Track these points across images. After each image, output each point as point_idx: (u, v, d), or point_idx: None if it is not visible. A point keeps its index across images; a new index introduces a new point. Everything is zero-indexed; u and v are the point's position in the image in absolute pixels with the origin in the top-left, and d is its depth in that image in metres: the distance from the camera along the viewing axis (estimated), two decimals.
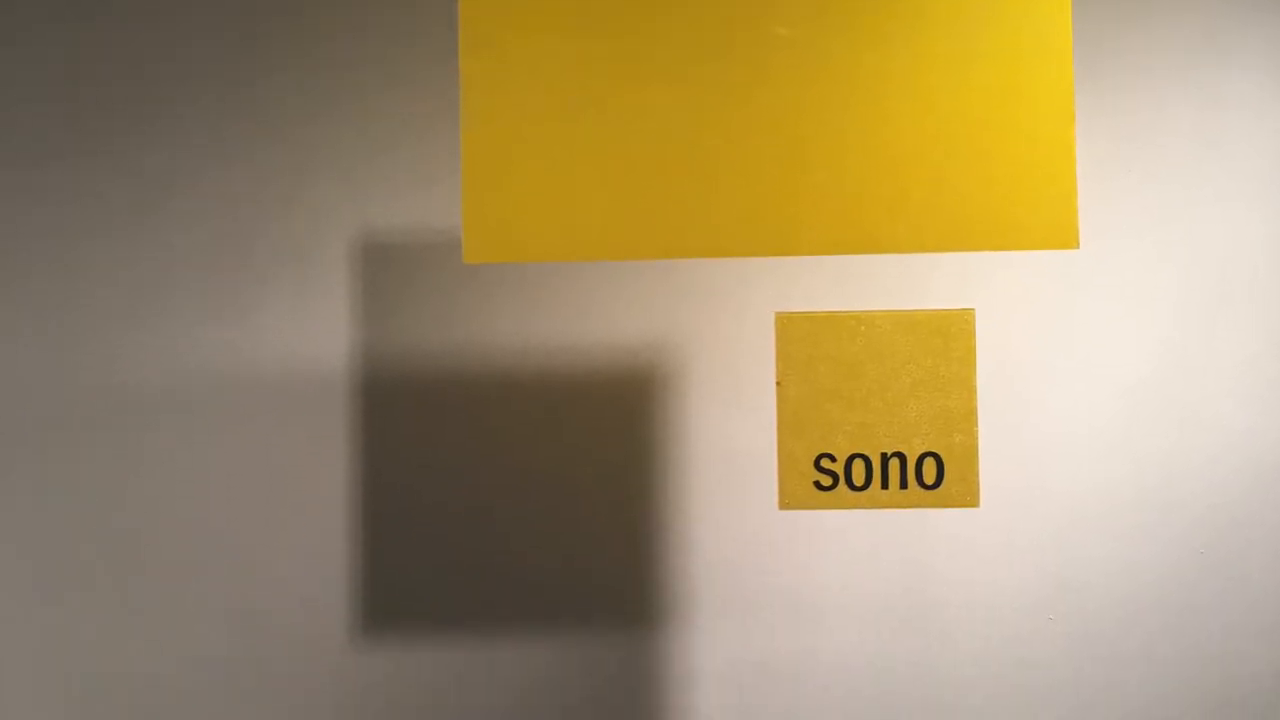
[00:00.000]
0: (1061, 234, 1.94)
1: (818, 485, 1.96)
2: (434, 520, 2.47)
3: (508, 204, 1.96)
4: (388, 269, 2.47)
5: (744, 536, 2.45)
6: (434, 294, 2.47)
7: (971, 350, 1.96)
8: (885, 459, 1.97)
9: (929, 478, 1.97)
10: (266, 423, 2.49)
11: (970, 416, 1.96)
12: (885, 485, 1.96)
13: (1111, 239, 2.49)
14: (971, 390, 1.96)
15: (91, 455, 2.50)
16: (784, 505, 1.96)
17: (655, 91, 1.97)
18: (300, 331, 2.49)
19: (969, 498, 1.94)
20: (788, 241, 1.98)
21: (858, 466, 1.97)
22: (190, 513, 2.49)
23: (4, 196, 2.53)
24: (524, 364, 2.46)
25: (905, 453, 1.97)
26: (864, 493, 1.95)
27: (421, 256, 2.47)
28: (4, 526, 2.49)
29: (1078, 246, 1.95)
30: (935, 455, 1.96)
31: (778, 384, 1.95)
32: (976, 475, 1.96)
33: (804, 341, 1.96)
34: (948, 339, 1.96)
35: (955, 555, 2.45)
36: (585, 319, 2.47)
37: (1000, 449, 2.43)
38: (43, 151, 2.54)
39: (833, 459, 1.96)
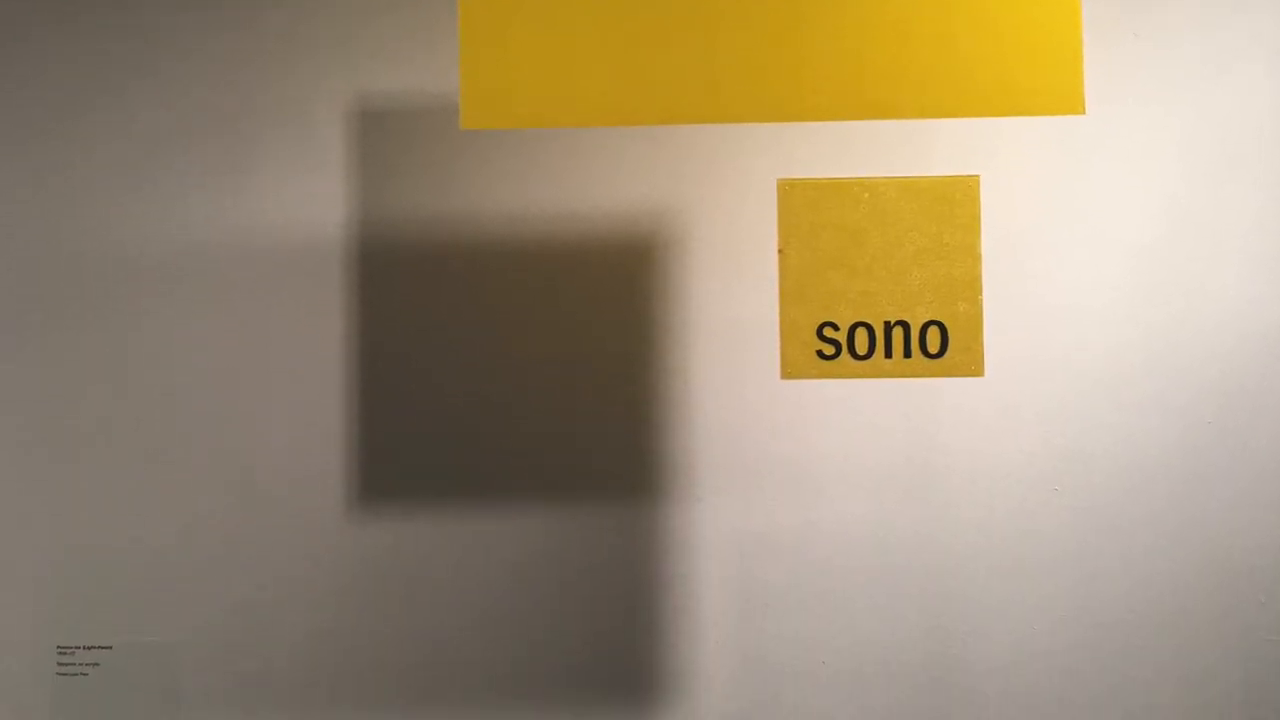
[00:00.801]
0: (1067, 99, 1.92)
1: (820, 355, 1.95)
2: (431, 390, 2.46)
3: (505, 69, 1.93)
4: (384, 135, 2.45)
5: (745, 407, 2.44)
6: (431, 160, 2.45)
7: (976, 217, 1.94)
8: (889, 328, 1.95)
9: (933, 347, 1.95)
10: (261, 290, 2.48)
11: (975, 284, 1.94)
12: (889, 354, 1.95)
13: (1118, 104, 2.45)
14: (976, 258, 1.94)
15: (83, 323, 2.49)
16: (786, 375, 1.95)
17: None
18: (296, 198, 2.47)
19: (973, 367, 1.93)
20: (790, 107, 1.95)
21: (861, 335, 1.95)
22: (183, 381, 2.48)
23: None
24: (522, 231, 2.44)
25: (909, 321, 1.95)
26: (867, 362, 1.94)
27: (418, 122, 2.44)
28: None
29: (1084, 112, 1.92)
30: (939, 324, 1.95)
31: (780, 252, 1.94)
32: (981, 344, 1.95)
33: (806, 209, 1.94)
34: (952, 206, 1.94)
35: (959, 425, 2.44)
36: (584, 186, 2.44)
37: (1005, 317, 2.41)
38: (33, 17, 2.51)
39: (835, 328, 1.95)
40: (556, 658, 2.45)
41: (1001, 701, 2.43)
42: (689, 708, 2.43)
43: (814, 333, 1.95)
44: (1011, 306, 2.42)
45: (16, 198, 2.49)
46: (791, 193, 1.94)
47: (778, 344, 1.94)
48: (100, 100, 2.51)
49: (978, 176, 1.94)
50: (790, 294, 1.94)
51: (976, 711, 2.43)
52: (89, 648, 2.49)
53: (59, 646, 2.50)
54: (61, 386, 2.49)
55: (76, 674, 2.49)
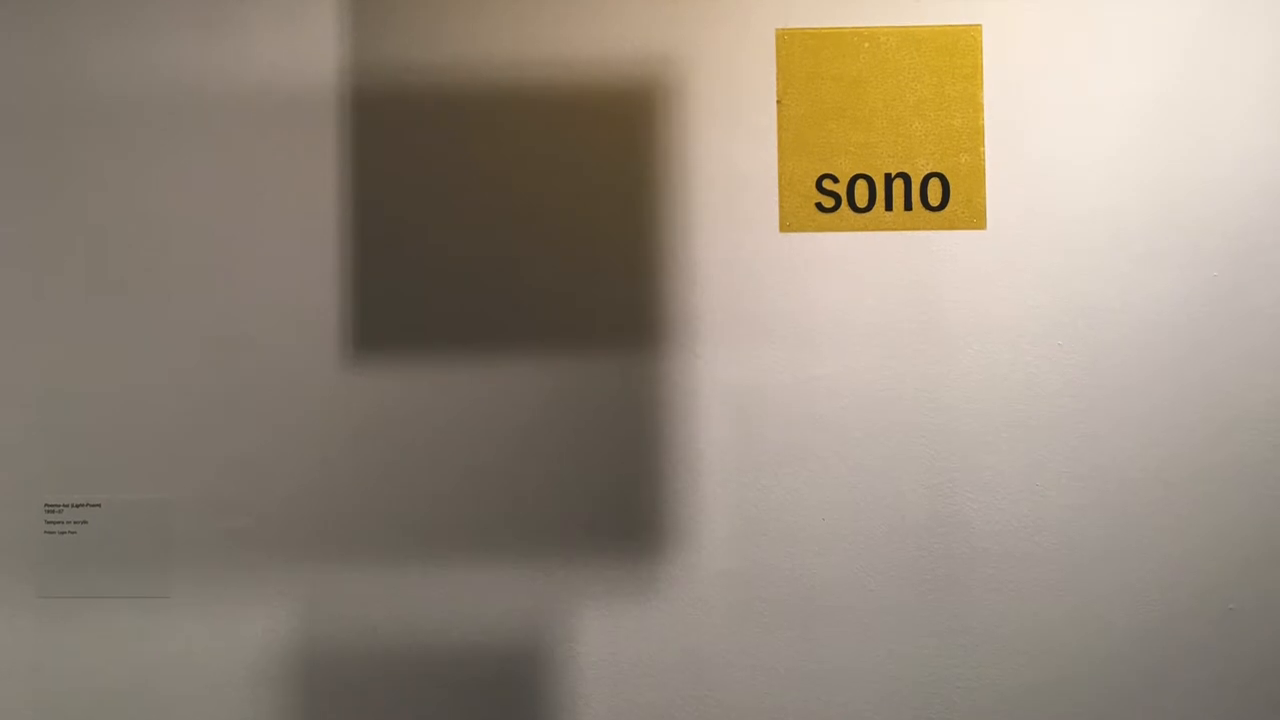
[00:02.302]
0: None
1: (819, 207, 1.93)
2: (427, 239, 2.44)
3: None
4: None
5: (744, 259, 2.42)
6: (423, 7, 2.41)
7: (978, 67, 1.92)
8: (889, 179, 1.94)
9: (934, 199, 1.94)
10: (252, 135, 2.45)
11: (977, 135, 1.92)
12: (889, 207, 1.93)
13: None
14: (978, 108, 1.92)
15: (68, 167, 2.46)
16: (785, 228, 1.94)
17: None
18: (287, 40, 2.43)
19: (975, 219, 1.92)
20: None
21: (861, 187, 1.94)
22: (172, 229, 2.46)
23: None
24: (518, 79, 2.40)
25: (909, 173, 1.94)
26: (867, 214, 1.93)
27: None
28: None
29: None
30: (940, 175, 1.93)
31: (778, 102, 1.91)
32: (983, 196, 1.93)
33: (806, 58, 1.92)
34: (954, 55, 1.91)
35: (961, 280, 2.42)
36: (581, 34, 2.40)
37: (1007, 170, 2.37)
38: None
39: (835, 180, 1.93)
40: (554, 512, 2.45)
41: (1004, 561, 2.43)
42: (687, 564, 2.43)
43: (813, 185, 1.94)
44: (1014, 159, 2.39)
45: None
46: (790, 42, 1.91)
47: (776, 196, 1.92)
48: None
49: (980, 25, 1.91)
50: (789, 146, 1.92)
51: (978, 570, 2.43)
52: (78, 505, 2.49)
53: (47, 504, 2.50)
54: (45, 237, 2.48)
55: (65, 532, 2.49)
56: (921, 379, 2.41)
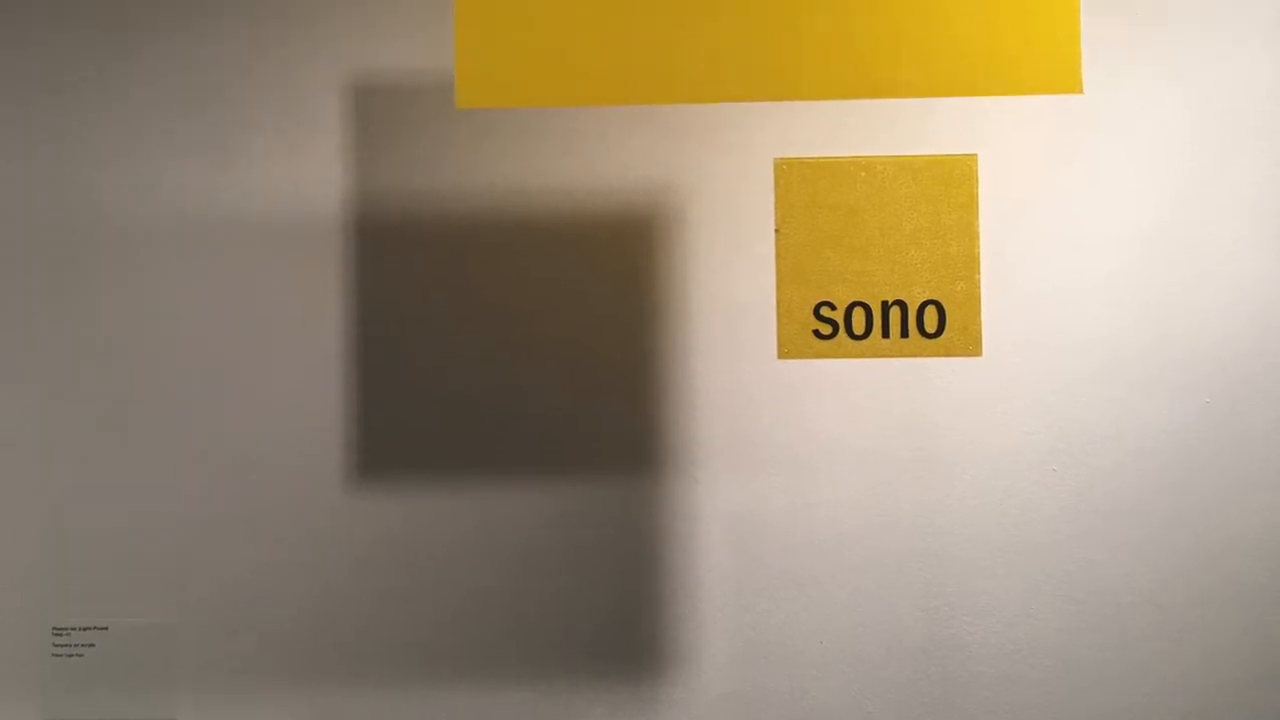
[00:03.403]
0: (1065, 78, 1.92)
1: (817, 334, 1.95)
2: (429, 366, 2.46)
3: (501, 48, 1.93)
4: (379, 111, 2.44)
5: (743, 387, 2.44)
6: (426, 137, 2.45)
7: (974, 196, 1.94)
8: (886, 307, 1.95)
9: (930, 326, 1.95)
10: (257, 264, 2.48)
11: (972, 263, 1.94)
12: (886, 334, 1.95)
13: (1117, 82, 2.45)
14: (974, 236, 1.94)
15: (75, 297, 2.49)
16: (783, 355, 1.95)
17: None
18: (290, 173, 2.47)
19: (971, 346, 1.93)
20: (788, 86, 1.95)
21: (858, 315, 1.95)
22: (178, 356, 2.48)
23: None
24: (520, 209, 2.44)
25: (906, 301, 1.95)
26: (864, 341, 1.94)
27: (414, 99, 2.44)
28: None
29: (1081, 91, 1.93)
30: (937, 303, 1.95)
31: (777, 231, 1.94)
32: (979, 323, 1.95)
33: (803, 187, 1.94)
34: (950, 185, 1.94)
35: (957, 406, 2.44)
36: (582, 164, 2.44)
37: (1003, 297, 2.40)
38: None
39: (832, 307, 1.95)
40: (555, 636, 2.45)
41: (1000, 684, 2.43)
42: (688, 686, 2.43)
43: (811, 312, 1.95)
44: (1009, 286, 2.42)
45: (7, 167, 2.49)
46: (789, 172, 1.94)
47: (774, 323, 1.94)
48: (94, 70, 2.50)
49: (975, 155, 1.94)
50: (787, 273, 1.94)
51: (974, 694, 2.43)
52: (85, 628, 2.49)
53: (54, 627, 2.50)
54: (54, 361, 2.49)
55: (72, 655, 2.49)
56: (918, 504, 2.43)
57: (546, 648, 2.46)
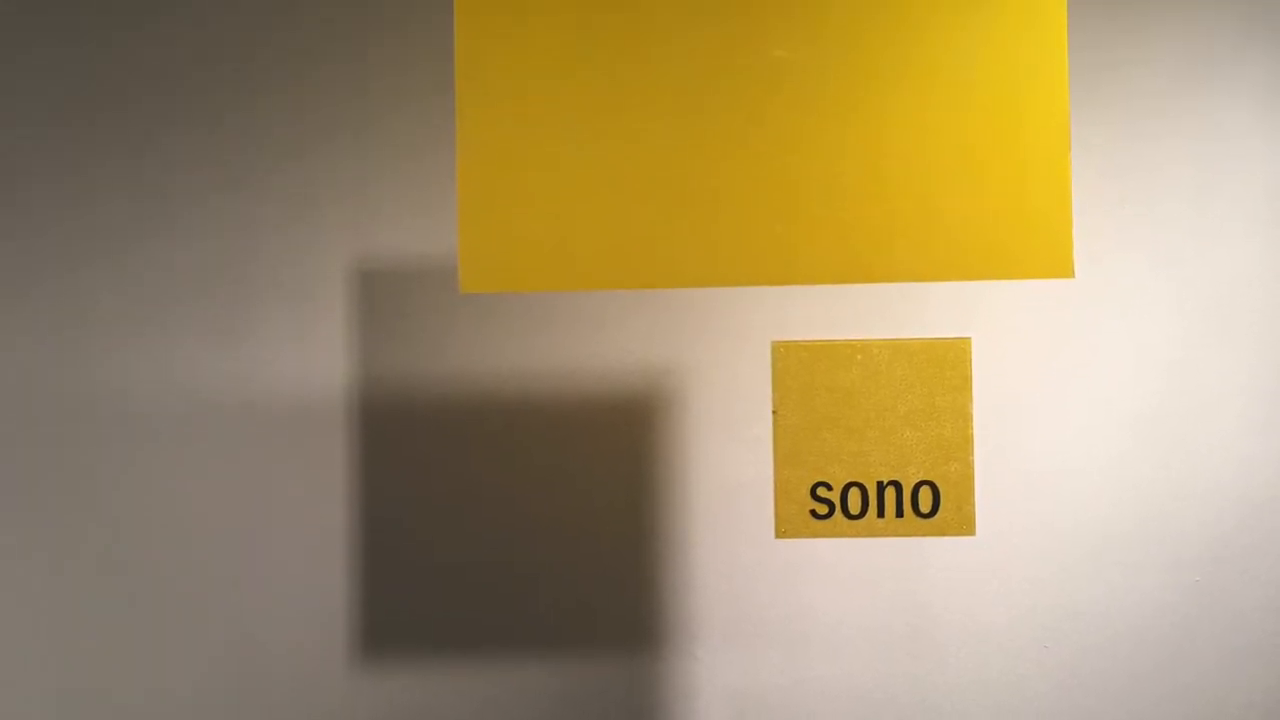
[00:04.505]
0: (1057, 263, 1.95)
1: (814, 514, 1.96)
2: (432, 548, 2.47)
3: (504, 233, 1.97)
4: (384, 295, 2.47)
5: (741, 565, 2.46)
6: (431, 321, 2.48)
7: (968, 379, 1.97)
8: (881, 487, 1.97)
9: (925, 506, 1.97)
10: (263, 446, 2.50)
11: (966, 445, 1.96)
12: (881, 514, 1.97)
13: (1109, 267, 2.49)
14: (968, 419, 1.96)
15: (85, 476, 2.50)
16: (780, 534, 1.97)
17: (651, 118, 1.98)
18: (297, 356, 2.49)
19: (965, 526, 1.94)
20: (784, 271, 1.98)
21: (854, 495, 1.97)
22: (185, 536, 2.49)
23: (4, 213, 2.53)
24: (521, 391, 2.46)
25: (901, 481, 1.97)
26: (860, 521, 1.96)
27: (418, 283, 2.47)
28: None
29: (1073, 276, 1.95)
30: (931, 484, 1.97)
31: (774, 412, 1.96)
32: (973, 504, 1.96)
33: (800, 370, 1.97)
34: (944, 368, 1.96)
35: (951, 584, 2.45)
36: (581, 346, 2.47)
37: (997, 478, 2.43)
38: (43, 172, 2.54)
39: (829, 487, 1.97)
40: None
41: None
42: None
43: (808, 492, 1.97)
44: (1004, 468, 2.44)
45: (19, 349, 2.51)
46: (785, 354, 1.96)
47: (772, 503, 1.95)
48: (103, 254, 2.54)
49: (969, 339, 1.97)
50: (784, 454, 1.96)
51: None
52: None
53: None
54: (63, 540, 2.50)
55: None
56: (913, 680, 2.43)
57: None
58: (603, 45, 1.99)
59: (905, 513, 1.97)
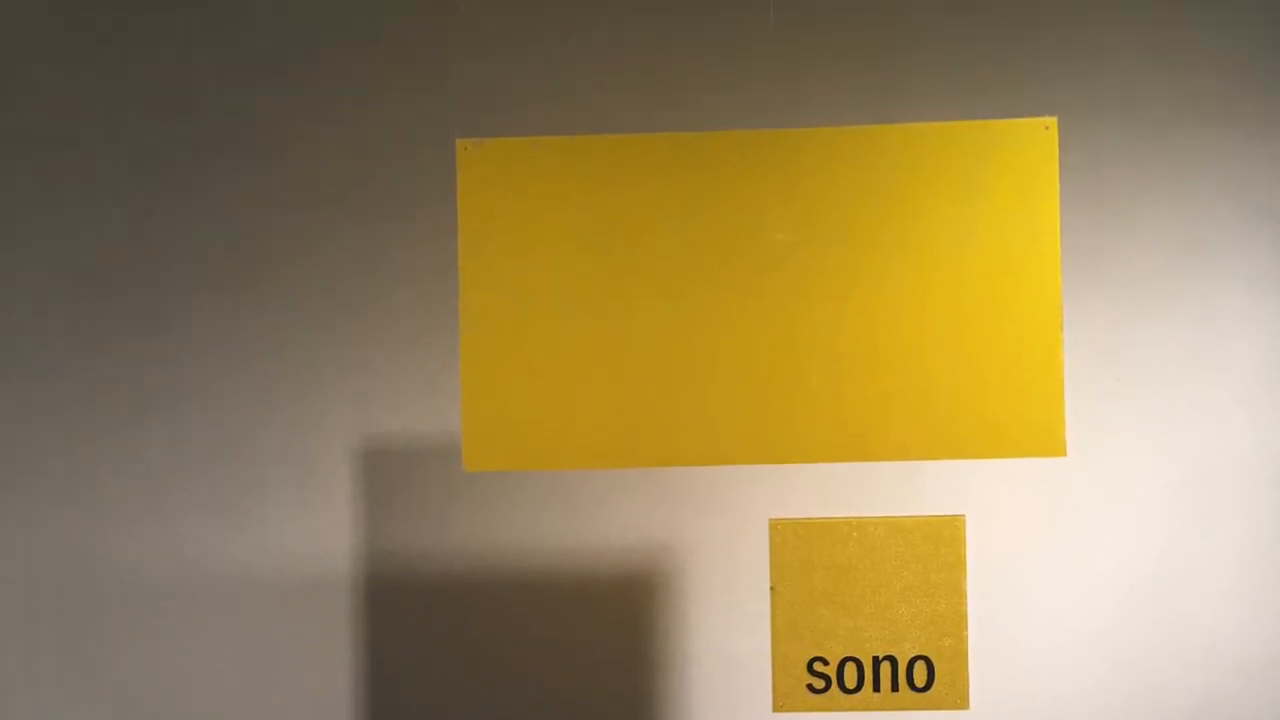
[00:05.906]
0: (1049, 442, 1.98)
1: (811, 688, 1.98)
2: (437, 717, 2.49)
3: (506, 413, 2.00)
4: (388, 473, 2.50)
5: None
6: (433, 498, 2.51)
7: (962, 556, 1.99)
8: (877, 662, 1.99)
9: (919, 680, 1.99)
10: (269, 621, 2.52)
11: (960, 621, 1.98)
12: (877, 688, 1.98)
13: (1101, 445, 2.51)
14: (962, 595, 1.98)
15: (91, 649, 2.52)
16: (778, 708, 1.99)
17: (651, 299, 2.01)
18: (302, 532, 2.52)
19: (959, 700, 1.96)
20: (782, 449, 2.01)
21: (850, 670, 1.99)
22: (190, 708, 2.50)
23: (15, 395, 2.56)
24: (523, 567, 2.49)
25: (896, 656, 1.99)
26: (856, 695, 1.97)
27: (421, 461, 2.50)
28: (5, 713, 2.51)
29: (1065, 455, 1.98)
30: (926, 659, 1.99)
31: (772, 588, 1.98)
32: (966, 678, 1.98)
33: (797, 547, 1.99)
34: (939, 545, 1.99)
35: None
36: (584, 523, 2.50)
37: (991, 653, 2.44)
38: (53, 354, 2.58)
39: (825, 662, 1.98)
40: None
41: None
42: None
43: (805, 667, 1.99)
44: (997, 642, 2.46)
45: (27, 523, 2.53)
46: (783, 532, 1.99)
47: (770, 677, 1.97)
48: (110, 431, 2.56)
49: (963, 516, 1.99)
50: (782, 630, 1.98)
51: None
52: None
53: None
54: (70, 712, 2.51)
55: None
56: None
57: None
58: (604, 228, 2.02)
59: (900, 687, 1.99)
